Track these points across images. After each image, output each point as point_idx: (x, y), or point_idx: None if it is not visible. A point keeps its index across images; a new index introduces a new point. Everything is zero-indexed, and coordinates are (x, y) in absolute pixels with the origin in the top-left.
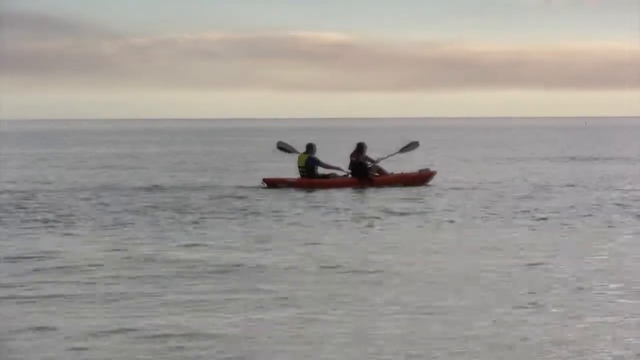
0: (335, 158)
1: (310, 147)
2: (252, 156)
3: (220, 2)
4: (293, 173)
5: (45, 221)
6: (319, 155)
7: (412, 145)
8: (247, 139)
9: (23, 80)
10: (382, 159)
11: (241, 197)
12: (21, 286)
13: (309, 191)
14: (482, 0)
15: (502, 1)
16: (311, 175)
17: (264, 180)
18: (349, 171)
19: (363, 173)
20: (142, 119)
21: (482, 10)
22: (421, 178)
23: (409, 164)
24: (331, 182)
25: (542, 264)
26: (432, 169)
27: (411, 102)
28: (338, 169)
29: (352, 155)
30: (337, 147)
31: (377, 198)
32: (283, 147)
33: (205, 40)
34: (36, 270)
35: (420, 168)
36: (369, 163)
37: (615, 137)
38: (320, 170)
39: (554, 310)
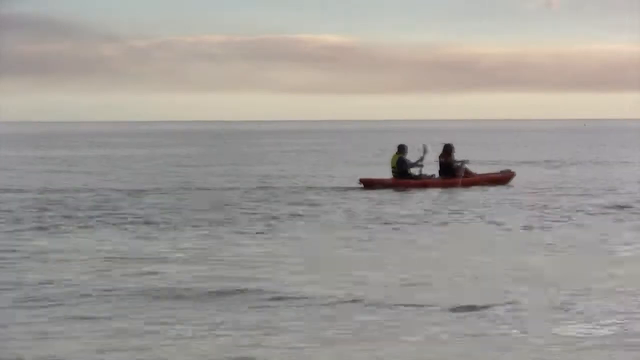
0: (337, 160)
1: (401, 148)
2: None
3: (220, 4)
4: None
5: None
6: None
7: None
8: (256, 141)
9: (23, 82)
10: (465, 161)
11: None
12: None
13: (403, 191)
14: (482, 3)
15: (502, 4)
16: (403, 175)
17: (361, 180)
18: (433, 174)
19: (451, 174)
20: (142, 121)
21: (482, 13)
22: (504, 179)
23: (489, 166)
24: (423, 182)
25: None
26: (512, 169)
27: (411, 105)
28: (420, 165)
29: (440, 157)
30: (338, 149)
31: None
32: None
33: (205, 43)
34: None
35: (502, 169)
36: (457, 164)
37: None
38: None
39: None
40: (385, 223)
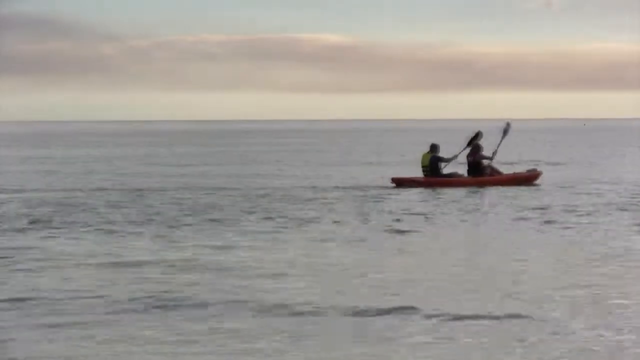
0: (338, 160)
1: (434, 147)
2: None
3: (220, 4)
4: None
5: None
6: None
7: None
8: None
9: (23, 82)
10: (495, 154)
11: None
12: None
13: (435, 190)
14: (482, 3)
15: (502, 4)
16: (434, 174)
17: (393, 179)
18: (463, 174)
19: (479, 173)
20: (143, 121)
21: (482, 13)
22: (530, 177)
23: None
24: (453, 181)
25: None
26: (538, 169)
27: (411, 104)
28: (456, 157)
29: (468, 156)
30: (339, 149)
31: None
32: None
33: (205, 42)
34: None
35: (528, 169)
36: (485, 162)
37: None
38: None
39: None
40: (395, 222)
